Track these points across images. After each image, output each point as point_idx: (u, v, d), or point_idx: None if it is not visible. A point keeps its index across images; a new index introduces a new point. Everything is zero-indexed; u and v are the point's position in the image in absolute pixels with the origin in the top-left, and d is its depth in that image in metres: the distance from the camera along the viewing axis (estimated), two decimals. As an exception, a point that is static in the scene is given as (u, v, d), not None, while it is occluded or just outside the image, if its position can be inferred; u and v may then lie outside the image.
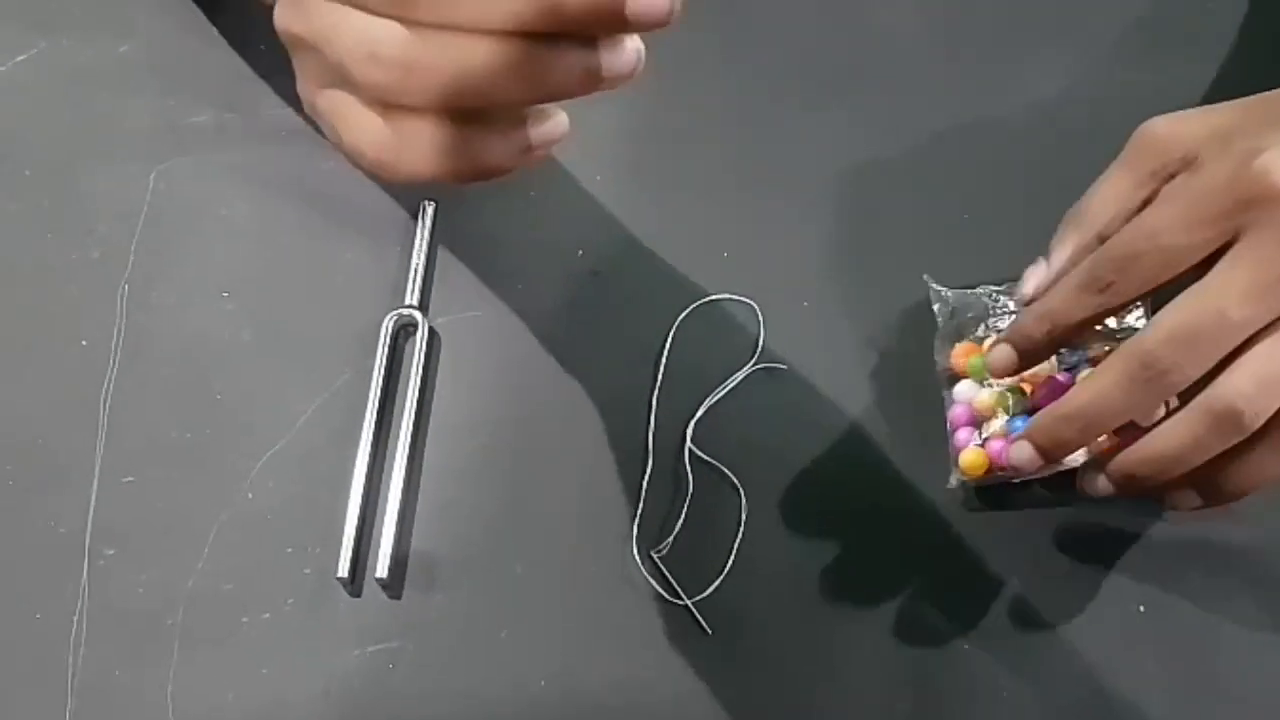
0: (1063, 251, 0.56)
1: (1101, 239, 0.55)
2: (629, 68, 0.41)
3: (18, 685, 0.58)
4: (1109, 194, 0.55)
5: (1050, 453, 0.55)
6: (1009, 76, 0.71)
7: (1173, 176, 0.53)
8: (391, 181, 0.44)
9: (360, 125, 0.42)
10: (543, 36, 0.39)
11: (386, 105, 0.42)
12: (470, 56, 0.40)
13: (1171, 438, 0.52)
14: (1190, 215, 0.51)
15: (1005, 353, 0.57)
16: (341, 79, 0.42)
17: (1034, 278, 0.58)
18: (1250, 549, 0.61)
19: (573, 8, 0.38)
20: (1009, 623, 0.60)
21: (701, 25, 0.73)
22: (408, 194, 0.68)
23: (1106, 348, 0.61)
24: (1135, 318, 0.61)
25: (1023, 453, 0.56)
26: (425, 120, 0.42)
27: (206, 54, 0.72)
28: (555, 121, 0.43)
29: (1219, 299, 0.50)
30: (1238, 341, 0.50)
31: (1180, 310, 0.51)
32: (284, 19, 0.44)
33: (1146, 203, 0.54)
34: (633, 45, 0.40)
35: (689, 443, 0.62)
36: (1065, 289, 0.54)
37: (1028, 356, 0.57)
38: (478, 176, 0.43)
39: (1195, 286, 0.51)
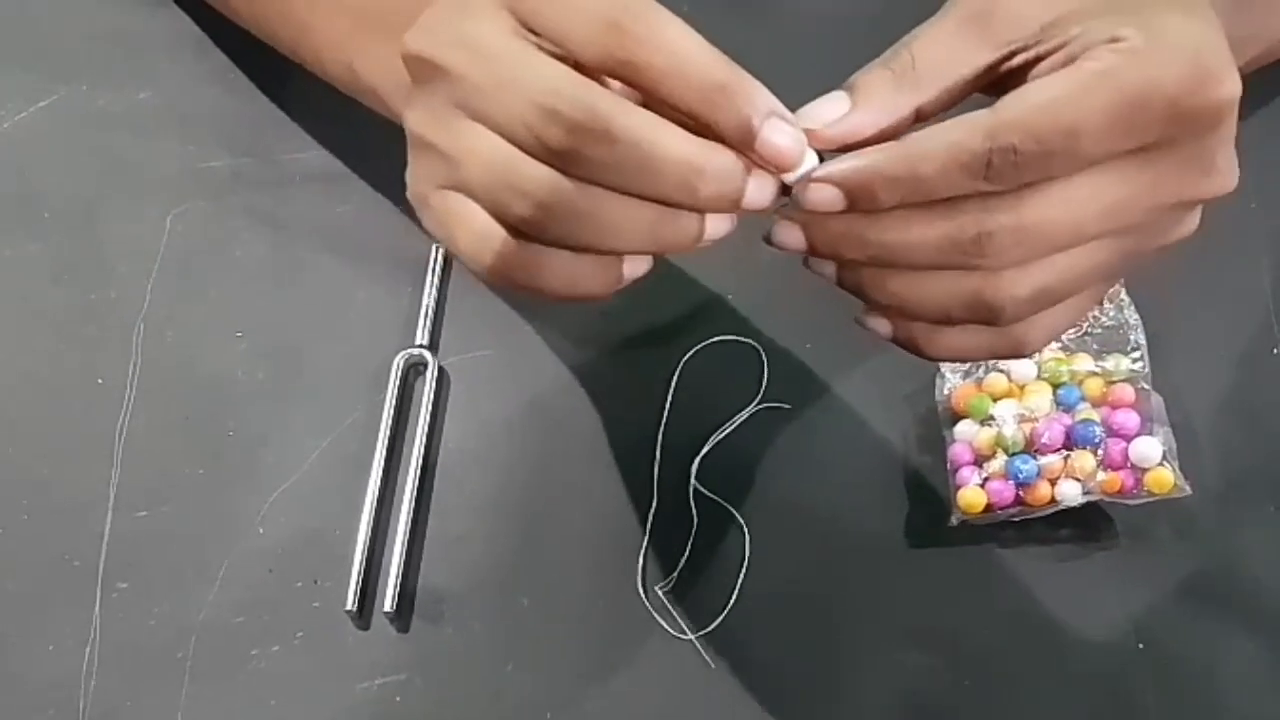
0: (877, 101, 0.44)
1: (923, 108, 0.44)
2: (722, 234, 0.45)
3: (30, 716, 0.59)
4: (941, 52, 0.44)
5: (856, 198, 0.43)
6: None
7: (1034, 50, 0.43)
8: (491, 285, 0.47)
9: (480, 236, 0.44)
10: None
11: (510, 224, 0.44)
12: (612, 213, 0.42)
13: (922, 289, 0.44)
14: (1125, 119, 0.41)
15: (829, 194, 0.43)
16: (469, 190, 0.44)
17: (831, 109, 0.44)
18: (1250, 586, 0.61)
19: (706, 195, 0.42)
20: (1009, 660, 0.60)
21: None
22: (418, 236, 0.69)
23: (1106, 382, 0.62)
24: (1132, 359, 0.62)
25: (822, 194, 0.43)
26: (546, 249, 0.44)
27: (223, 101, 0.74)
28: (644, 260, 0.46)
29: (1092, 197, 0.42)
30: (1073, 243, 0.43)
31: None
32: (419, 124, 0.46)
33: (991, 70, 0.44)
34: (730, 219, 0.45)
35: (694, 480, 0.63)
36: (936, 152, 0.41)
37: (860, 203, 0.43)
38: (575, 299, 0.46)
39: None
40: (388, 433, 0.64)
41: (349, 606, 0.60)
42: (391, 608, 0.60)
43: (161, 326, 0.67)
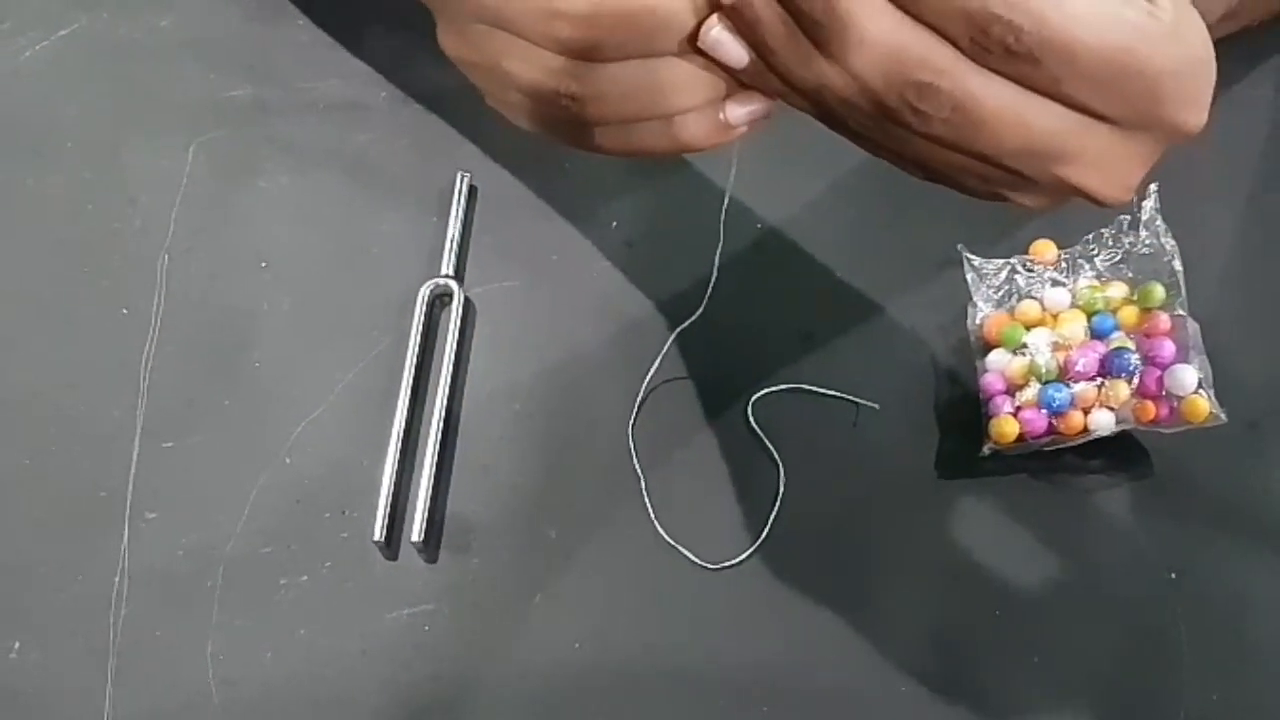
0: None
1: None
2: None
3: (61, 645, 0.59)
4: None
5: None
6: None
7: None
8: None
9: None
10: None
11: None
12: (659, 78, 0.43)
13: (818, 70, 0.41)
14: (1117, 75, 0.40)
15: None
16: (521, 94, 0.45)
17: None
18: (1282, 516, 0.61)
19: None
20: (1041, 589, 0.60)
21: None
22: (443, 165, 0.68)
23: (1141, 310, 0.61)
24: (1167, 286, 0.61)
25: None
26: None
27: (245, 29, 0.73)
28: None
29: None
30: (983, 149, 0.42)
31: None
32: (451, 48, 0.46)
33: None
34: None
35: (750, 414, 0.63)
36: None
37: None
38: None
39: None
40: (414, 363, 0.64)
41: (377, 537, 0.60)
42: (419, 538, 0.60)
43: (186, 257, 0.67)
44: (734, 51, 0.42)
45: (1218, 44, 0.42)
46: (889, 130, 0.42)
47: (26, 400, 0.64)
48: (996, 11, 0.39)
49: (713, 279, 0.63)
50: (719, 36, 0.42)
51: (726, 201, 0.64)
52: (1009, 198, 0.45)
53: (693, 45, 0.41)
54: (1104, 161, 0.43)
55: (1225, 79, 0.43)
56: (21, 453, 0.63)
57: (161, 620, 0.59)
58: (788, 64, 0.42)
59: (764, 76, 0.43)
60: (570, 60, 0.42)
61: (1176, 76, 0.41)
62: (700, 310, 0.64)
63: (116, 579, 0.60)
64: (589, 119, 0.44)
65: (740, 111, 0.45)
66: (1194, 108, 0.41)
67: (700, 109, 0.44)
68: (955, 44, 0.40)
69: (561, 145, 0.46)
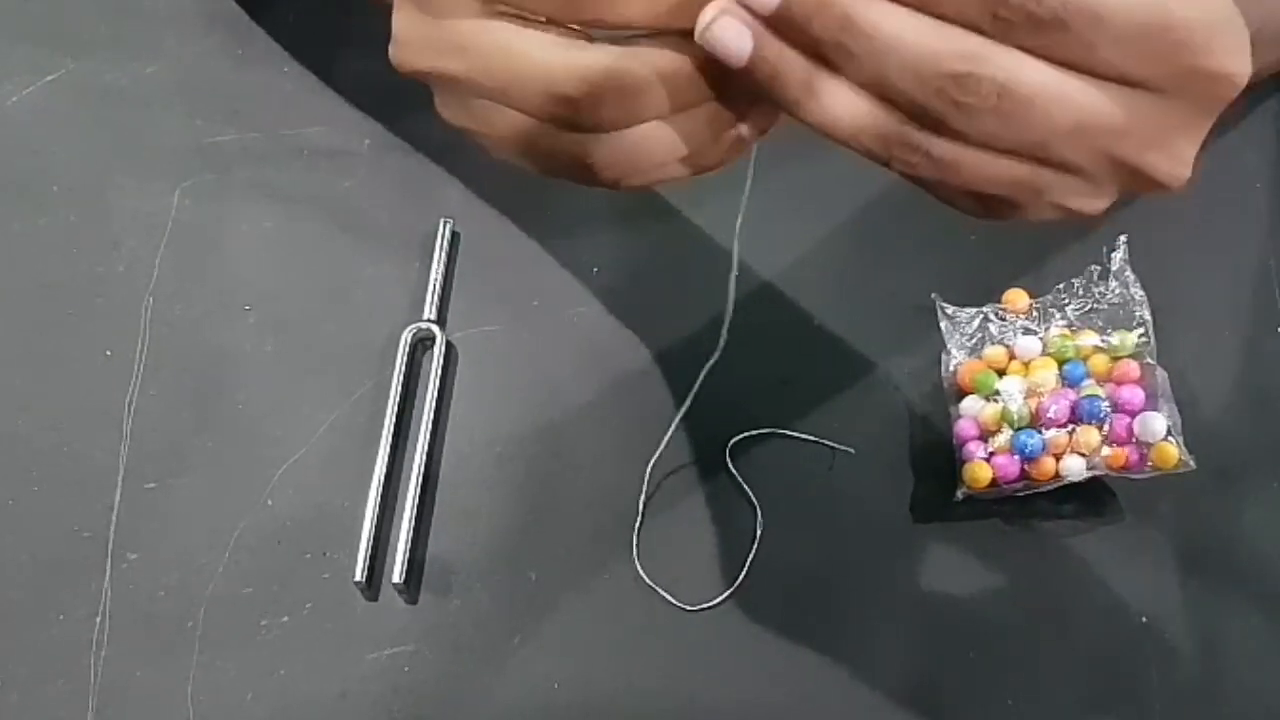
0: None
1: None
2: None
3: (42, 685, 0.59)
4: None
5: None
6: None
7: None
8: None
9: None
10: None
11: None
12: (648, 138, 0.43)
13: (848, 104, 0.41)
14: (1145, 36, 0.40)
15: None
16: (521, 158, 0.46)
17: None
18: (1253, 561, 0.62)
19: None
20: (1014, 633, 0.60)
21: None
22: (426, 211, 0.69)
23: (1111, 358, 0.62)
24: (1137, 335, 0.62)
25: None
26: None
27: (231, 76, 0.74)
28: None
29: None
30: (1032, 144, 0.41)
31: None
32: (452, 118, 0.46)
33: None
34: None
35: (728, 460, 0.64)
36: None
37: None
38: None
39: None
40: (395, 406, 0.64)
41: (358, 578, 0.60)
42: (400, 579, 0.60)
43: (170, 300, 0.68)
44: (735, 45, 0.40)
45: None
46: (936, 155, 0.41)
47: (9, 441, 0.64)
48: None
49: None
50: (716, 34, 0.40)
51: (739, 225, 0.65)
52: (1069, 209, 0.44)
53: (680, 105, 0.42)
54: (1155, 135, 0.42)
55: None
56: (4, 493, 0.63)
57: (142, 661, 0.60)
58: (818, 112, 0.41)
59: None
60: (578, 134, 0.43)
61: (1207, 26, 0.40)
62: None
63: (98, 619, 0.60)
64: (605, 179, 0.45)
65: (753, 127, 0.45)
66: (1231, 55, 0.41)
67: (713, 140, 0.45)
68: (980, 30, 0.40)
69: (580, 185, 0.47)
